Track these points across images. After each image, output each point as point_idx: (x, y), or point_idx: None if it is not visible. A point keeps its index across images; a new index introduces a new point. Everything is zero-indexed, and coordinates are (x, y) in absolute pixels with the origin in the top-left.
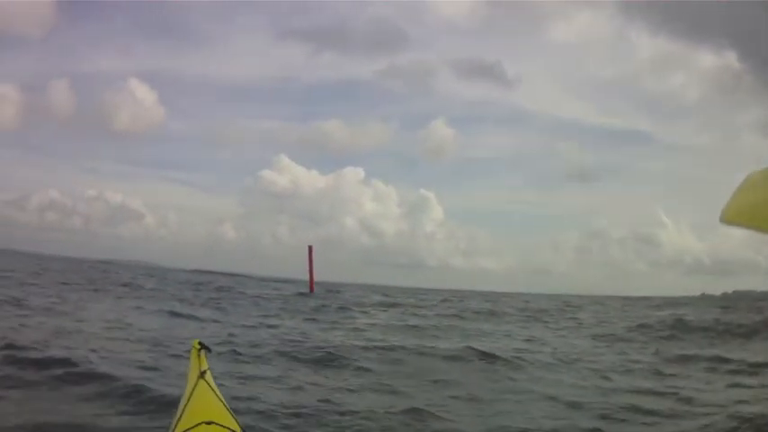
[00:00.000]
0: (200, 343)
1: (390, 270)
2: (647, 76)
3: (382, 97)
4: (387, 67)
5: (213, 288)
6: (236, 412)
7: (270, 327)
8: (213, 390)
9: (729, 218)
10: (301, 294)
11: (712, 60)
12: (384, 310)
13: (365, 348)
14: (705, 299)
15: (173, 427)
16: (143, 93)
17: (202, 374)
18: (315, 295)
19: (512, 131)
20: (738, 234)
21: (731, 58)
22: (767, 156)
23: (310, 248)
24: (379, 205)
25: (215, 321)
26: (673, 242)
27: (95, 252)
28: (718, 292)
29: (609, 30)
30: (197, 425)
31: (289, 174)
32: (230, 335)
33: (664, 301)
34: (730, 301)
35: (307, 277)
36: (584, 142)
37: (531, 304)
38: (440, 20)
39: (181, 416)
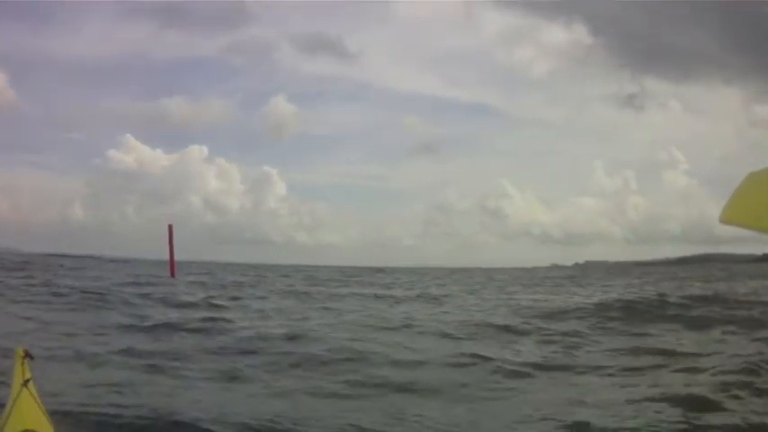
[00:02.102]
0: (24, 351)
1: (236, 247)
2: (495, 50)
3: (225, 74)
4: (229, 43)
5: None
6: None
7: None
8: (35, 399)
9: (729, 218)
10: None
11: (563, 35)
12: None
13: None
14: (555, 269)
15: None
16: None
17: (26, 383)
18: (178, 282)
19: (356, 106)
20: (589, 205)
21: (582, 33)
22: (616, 128)
23: (170, 227)
24: (223, 182)
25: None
26: (520, 214)
27: None
28: (569, 262)
29: (455, 5)
30: None
31: (134, 153)
32: None
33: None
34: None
35: (163, 257)
36: (430, 116)
37: None
38: None
39: (3, 426)
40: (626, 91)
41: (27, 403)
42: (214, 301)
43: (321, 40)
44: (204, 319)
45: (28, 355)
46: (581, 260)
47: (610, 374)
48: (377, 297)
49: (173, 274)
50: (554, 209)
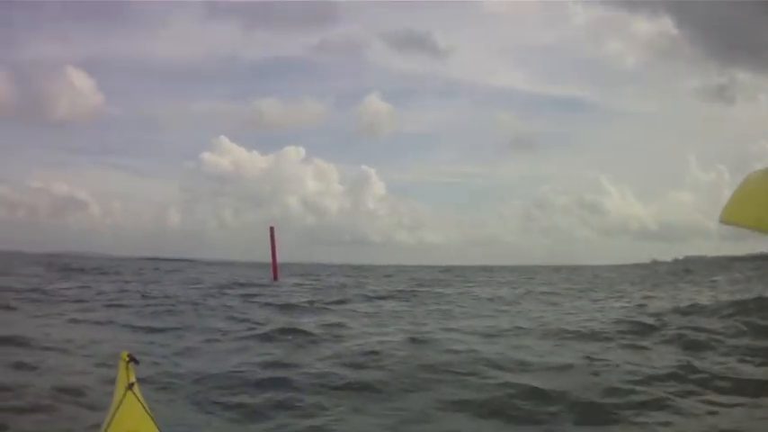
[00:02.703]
0: (128, 355)
1: (335, 248)
2: (583, 43)
3: (316, 73)
4: (319, 42)
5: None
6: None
7: None
8: (141, 402)
9: (729, 218)
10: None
11: (648, 27)
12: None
13: None
14: (656, 265)
15: None
16: (80, 80)
17: (130, 387)
18: (281, 284)
19: (449, 103)
20: (685, 200)
21: (667, 25)
22: (707, 121)
23: (272, 229)
24: (321, 183)
25: None
26: (618, 209)
27: (43, 245)
28: (668, 258)
29: None
30: None
31: (230, 155)
32: None
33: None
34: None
35: (259, 260)
36: (523, 111)
37: None
38: None
39: (107, 429)
40: (715, 83)
41: (132, 406)
42: (324, 305)
43: (411, 37)
44: (321, 325)
45: (132, 359)
46: (680, 256)
47: None
48: (490, 299)
49: (275, 277)
50: (651, 204)
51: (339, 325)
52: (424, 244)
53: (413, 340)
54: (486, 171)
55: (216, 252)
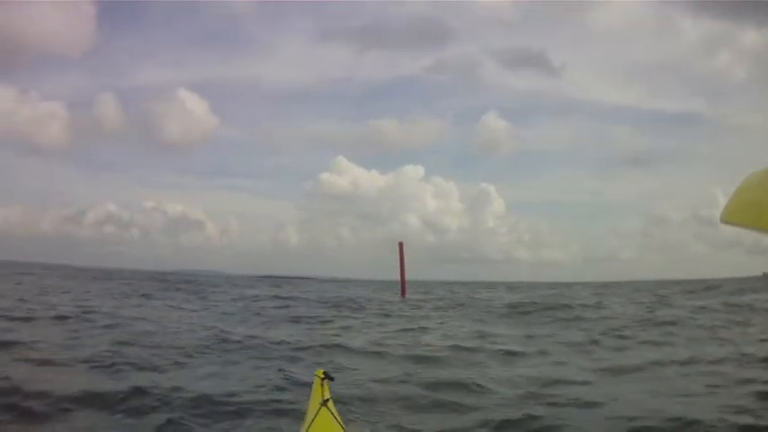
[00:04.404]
0: (324, 372)
1: (454, 265)
2: (693, 57)
3: (432, 92)
4: (434, 62)
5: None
6: None
7: None
8: (336, 418)
9: (729, 218)
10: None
11: (755, 38)
12: None
13: None
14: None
15: None
16: (193, 102)
17: (325, 402)
18: (409, 301)
19: (563, 120)
20: None
21: None
22: None
23: (401, 245)
24: (441, 201)
25: None
26: None
27: (157, 264)
28: None
29: (650, 13)
30: None
31: (348, 175)
32: None
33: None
34: None
35: (379, 277)
36: (637, 127)
37: None
38: (481, 11)
39: None
40: None
41: (326, 421)
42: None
43: (524, 55)
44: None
45: (327, 376)
46: None
47: None
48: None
49: (403, 294)
50: None
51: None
52: (543, 261)
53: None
54: (602, 187)
55: (333, 270)
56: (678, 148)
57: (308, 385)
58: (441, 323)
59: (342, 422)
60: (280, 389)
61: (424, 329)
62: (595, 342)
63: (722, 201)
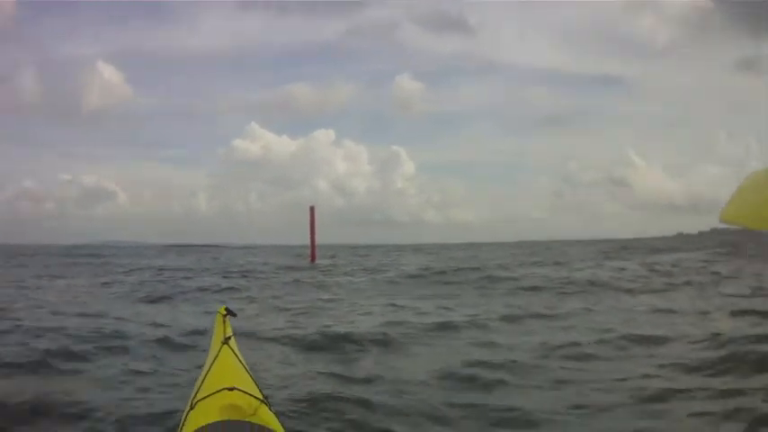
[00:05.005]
0: (226, 309)
1: (364, 228)
2: (616, 20)
3: (348, 57)
4: (350, 26)
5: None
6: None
7: None
8: (237, 356)
9: (729, 217)
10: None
11: (682, 1)
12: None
13: None
14: (681, 237)
15: (195, 392)
16: (110, 74)
17: (226, 340)
18: (319, 267)
19: (480, 82)
20: (714, 173)
21: None
22: (739, 94)
23: (312, 210)
24: (351, 164)
25: None
26: (646, 183)
27: (72, 238)
28: (694, 230)
29: None
30: (219, 390)
31: (260, 141)
32: None
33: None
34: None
35: (291, 242)
36: (555, 89)
37: None
38: None
39: (203, 381)
40: (749, 55)
41: (228, 360)
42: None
43: (443, 18)
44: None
45: (230, 312)
46: (707, 228)
47: None
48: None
49: (313, 259)
50: (679, 177)
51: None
52: (452, 222)
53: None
54: (517, 149)
55: (245, 236)
56: (595, 110)
57: None
58: (350, 292)
59: (243, 360)
60: None
61: (334, 302)
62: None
63: (637, 161)
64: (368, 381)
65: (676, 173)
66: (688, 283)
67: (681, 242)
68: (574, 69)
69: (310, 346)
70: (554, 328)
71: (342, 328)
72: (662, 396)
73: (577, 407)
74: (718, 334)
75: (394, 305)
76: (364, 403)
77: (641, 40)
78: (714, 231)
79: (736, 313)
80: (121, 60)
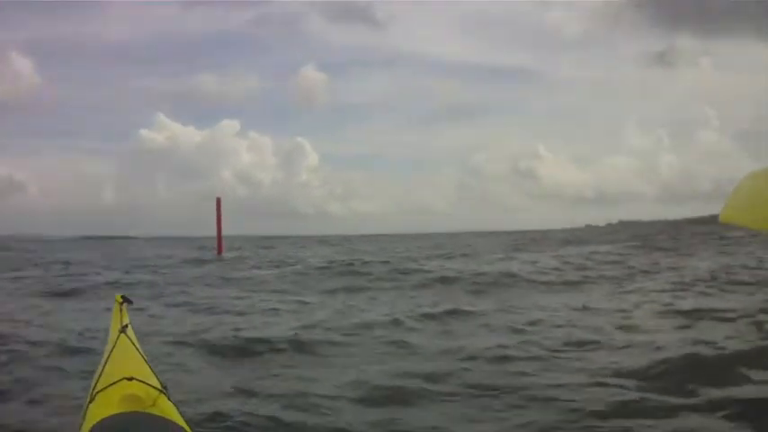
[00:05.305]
0: (122, 296)
1: (269, 220)
2: (526, 11)
3: (254, 47)
4: (258, 16)
5: None
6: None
7: None
8: (134, 345)
9: (728, 217)
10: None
11: None
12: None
13: None
14: (589, 229)
15: (94, 383)
16: (19, 63)
17: (123, 329)
18: (226, 260)
19: (386, 73)
20: (621, 165)
21: None
22: (646, 86)
23: (218, 201)
24: (255, 156)
25: None
26: (552, 175)
27: None
28: (602, 222)
29: None
30: (118, 381)
31: (167, 131)
32: None
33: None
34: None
35: (197, 234)
36: (463, 80)
37: None
38: None
39: (102, 372)
40: (657, 49)
41: (126, 350)
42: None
43: (350, 9)
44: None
45: (126, 300)
46: (614, 220)
47: None
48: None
49: (220, 252)
50: (587, 169)
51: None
52: (356, 214)
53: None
54: (423, 141)
55: (152, 228)
56: (503, 102)
57: None
58: (259, 288)
59: (141, 349)
60: None
61: (242, 299)
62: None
63: (544, 153)
64: (278, 395)
65: (584, 165)
66: (605, 278)
67: (590, 234)
68: (482, 61)
69: (216, 350)
70: (474, 328)
71: (251, 332)
72: (602, 413)
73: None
74: (647, 338)
75: (304, 302)
76: (274, 422)
77: (551, 32)
78: (622, 223)
79: (662, 314)
80: (30, 49)
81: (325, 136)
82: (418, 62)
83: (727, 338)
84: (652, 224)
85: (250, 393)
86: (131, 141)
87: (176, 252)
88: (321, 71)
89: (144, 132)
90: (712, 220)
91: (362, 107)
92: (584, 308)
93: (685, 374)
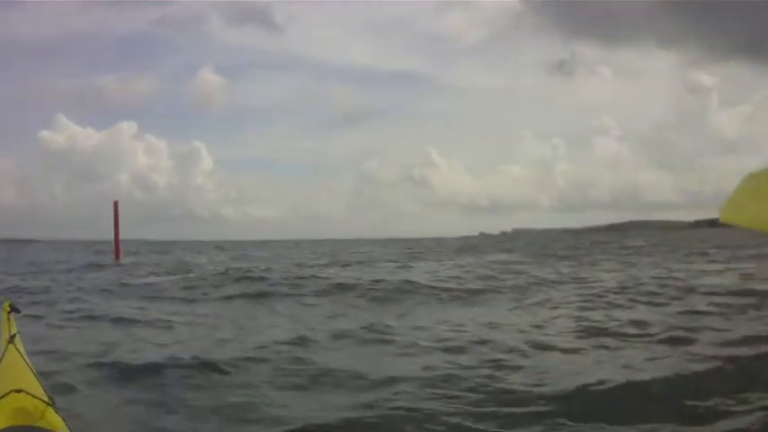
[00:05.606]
0: (10, 305)
1: (164, 224)
2: (426, 18)
3: (155, 48)
4: (160, 16)
5: None
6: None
7: None
8: (22, 356)
9: (728, 218)
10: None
11: (493, 1)
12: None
13: None
14: (484, 238)
15: None
16: None
17: (12, 339)
18: (124, 265)
19: (284, 78)
20: (517, 173)
21: None
22: (544, 95)
23: (116, 205)
24: (152, 159)
25: None
26: (447, 183)
27: None
28: (496, 230)
29: None
30: (6, 393)
31: (66, 132)
32: None
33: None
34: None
35: (94, 237)
36: (360, 86)
37: None
38: None
39: None
40: (556, 57)
41: (14, 361)
42: None
43: (249, 11)
44: None
45: (14, 309)
46: (508, 228)
47: None
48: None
49: (118, 257)
50: (482, 177)
51: None
52: (252, 219)
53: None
54: (320, 145)
55: (52, 231)
56: (399, 108)
57: None
58: (158, 297)
59: (29, 361)
60: None
61: (142, 311)
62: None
63: (438, 161)
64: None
65: (479, 173)
66: (508, 288)
67: (485, 242)
68: (381, 65)
69: (111, 377)
70: (388, 349)
71: (149, 354)
72: None
73: None
74: (564, 359)
75: (205, 315)
76: None
77: (450, 38)
78: (516, 231)
79: (576, 331)
80: None
81: (222, 139)
82: (317, 66)
83: (647, 361)
84: (546, 232)
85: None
86: (31, 142)
87: (74, 257)
88: (219, 74)
89: (44, 133)
90: (610, 228)
91: (260, 111)
92: (491, 325)
93: (610, 402)
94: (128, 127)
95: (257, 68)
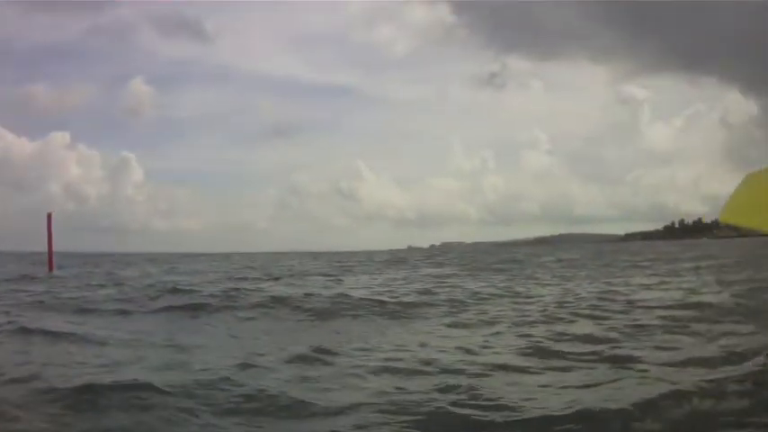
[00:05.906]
0: None
1: (94, 235)
2: (356, 30)
3: (87, 57)
4: (92, 25)
5: None
6: None
7: None
8: None
9: (728, 218)
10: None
11: (425, 14)
12: None
13: None
14: (412, 251)
15: None
16: None
17: None
18: (57, 278)
19: (213, 89)
20: (446, 186)
21: (444, 12)
22: (474, 108)
23: (49, 216)
24: (84, 169)
25: None
26: (375, 196)
27: None
28: (425, 244)
29: None
30: None
31: (1, 141)
32: None
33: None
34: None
35: (22, 249)
36: (288, 98)
37: None
38: None
39: None
40: (487, 70)
41: None
42: None
43: (179, 21)
44: None
45: None
46: (437, 242)
47: None
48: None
49: (51, 269)
50: (410, 190)
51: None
52: (180, 231)
53: None
54: (243, 157)
55: None
56: (326, 120)
57: None
58: (93, 313)
59: None
60: None
61: (79, 325)
62: None
63: (366, 174)
64: None
65: (407, 186)
66: (446, 303)
67: (414, 256)
68: (309, 78)
69: (44, 398)
70: (330, 371)
71: (85, 374)
72: None
73: None
74: (519, 390)
75: (141, 331)
76: None
77: (379, 50)
78: (445, 245)
79: (520, 349)
80: None
81: (151, 150)
82: (247, 77)
83: (598, 383)
84: (476, 245)
85: None
86: None
87: (7, 267)
88: (149, 84)
89: None
90: (540, 241)
91: (189, 122)
92: (432, 344)
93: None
94: (60, 137)
95: (187, 79)
